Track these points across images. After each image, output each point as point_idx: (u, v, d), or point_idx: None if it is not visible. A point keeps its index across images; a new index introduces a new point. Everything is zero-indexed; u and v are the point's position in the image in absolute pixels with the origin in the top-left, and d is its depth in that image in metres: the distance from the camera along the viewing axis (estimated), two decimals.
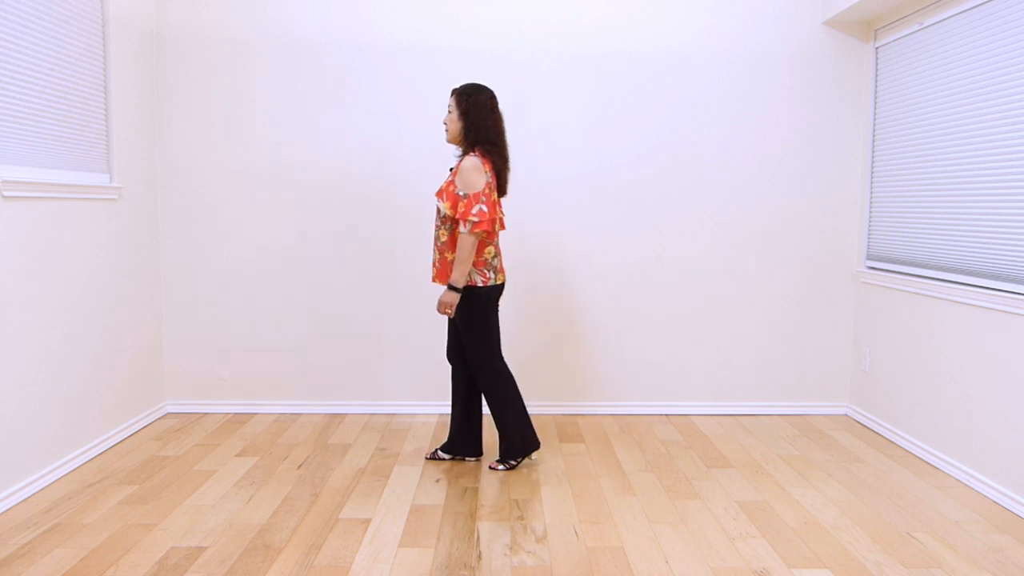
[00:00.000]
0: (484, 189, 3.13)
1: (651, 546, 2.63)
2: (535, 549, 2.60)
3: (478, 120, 3.20)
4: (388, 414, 4.24)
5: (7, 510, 2.89)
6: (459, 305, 3.25)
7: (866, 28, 4.13)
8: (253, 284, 4.19)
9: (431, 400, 4.26)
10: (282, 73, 4.09)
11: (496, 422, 3.35)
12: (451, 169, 3.27)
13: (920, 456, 3.58)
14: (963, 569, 2.48)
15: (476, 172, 3.13)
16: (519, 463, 3.39)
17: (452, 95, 3.25)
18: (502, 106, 4.12)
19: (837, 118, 4.19)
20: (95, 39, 3.53)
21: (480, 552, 2.58)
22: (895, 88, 3.89)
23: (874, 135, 4.10)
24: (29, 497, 3.01)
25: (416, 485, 3.18)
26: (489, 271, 3.25)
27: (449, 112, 3.25)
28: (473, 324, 3.26)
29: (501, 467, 3.36)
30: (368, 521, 2.82)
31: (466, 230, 3.11)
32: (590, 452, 3.63)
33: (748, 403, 4.31)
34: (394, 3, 4.08)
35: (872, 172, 4.11)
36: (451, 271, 3.21)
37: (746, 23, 4.13)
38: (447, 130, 3.27)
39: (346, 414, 4.22)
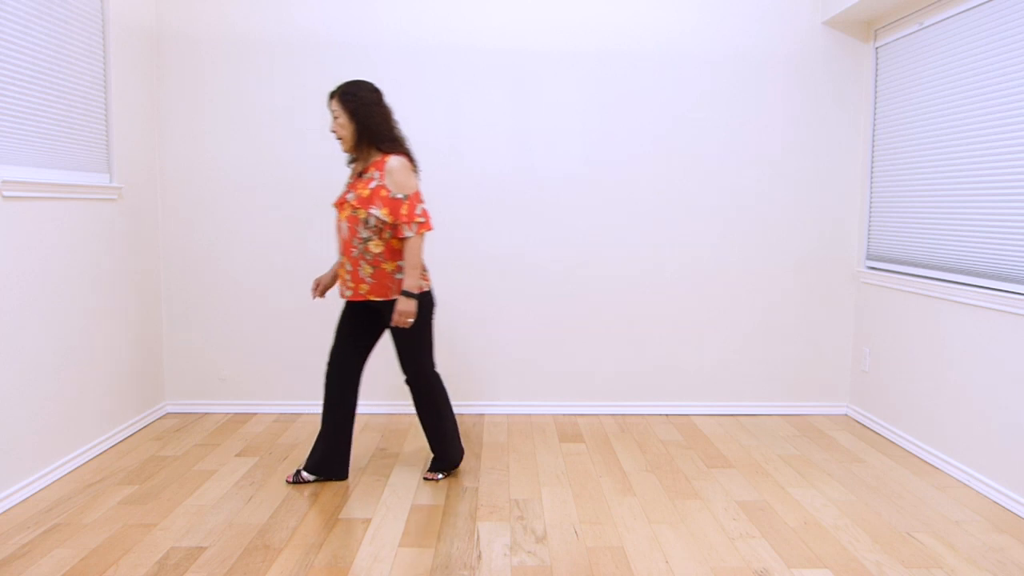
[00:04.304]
0: (419, 187, 3.03)
1: (651, 546, 2.63)
2: (535, 549, 2.60)
3: (369, 118, 2.97)
4: (388, 414, 4.24)
5: (7, 510, 2.89)
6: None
7: (866, 28, 4.13)
8: (253, 284, 4.19)
9: None
10: (282, 72, 4.09)
11: (434, 432, 3.22)
12: (360, 175, 3.03)
13: (920, 456, 3.58)
14: (963, 569, 2.48)
15: (408, 172, 2.98)
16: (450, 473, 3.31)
17: (333, 99, 2.99)
18: (503, 105, 4.12)
19: (837, 118, 4.19)
20: (95, 39, 3.53)
21: (480, 552, 2.58)
22: (895, 88, 3.89)
23: (874, 135, 4.10)
24: (29, 497, 3.01)
25: (416, 485, 3.18)
26: (427, 274, 3.14)
27: (336, 118, 2.99)
28: (421, 331, 3.11)
29: (440, 476, 3.26)
30: (368, 521, 2.82)
31: (413, 232, 2.96)
32: (590, 452, 3.63)
33: (748, 403, 4.31)
34: (395, 3, 4.08)
35: (872, 172, 4.11)
36: (390, 282, 3.03)
37: (746, 23, 4.13)
38: (340, 138, 3.00)
39: None
